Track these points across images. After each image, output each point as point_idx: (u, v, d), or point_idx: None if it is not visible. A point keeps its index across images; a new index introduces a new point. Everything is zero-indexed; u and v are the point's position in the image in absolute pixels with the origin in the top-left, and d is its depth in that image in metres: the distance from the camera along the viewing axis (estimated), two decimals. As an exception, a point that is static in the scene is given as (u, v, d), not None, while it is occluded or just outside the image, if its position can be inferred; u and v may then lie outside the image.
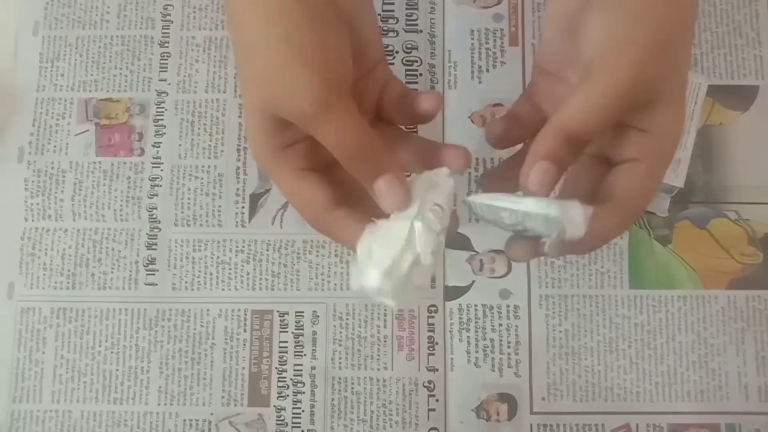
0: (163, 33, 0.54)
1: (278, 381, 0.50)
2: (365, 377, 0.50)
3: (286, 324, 0.51)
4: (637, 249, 0.51)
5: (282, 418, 0.49)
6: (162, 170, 0.52)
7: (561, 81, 0.37)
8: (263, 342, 0.50)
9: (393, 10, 0.54)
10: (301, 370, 0.50)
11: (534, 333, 0.50)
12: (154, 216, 0.52)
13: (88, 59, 0.54)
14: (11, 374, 0.50)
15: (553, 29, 0.37)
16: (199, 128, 0.53)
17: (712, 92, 0.52)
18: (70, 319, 0.51)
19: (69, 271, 0.51)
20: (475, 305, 0.50)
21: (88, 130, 0.53)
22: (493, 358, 0.50)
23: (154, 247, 0.52)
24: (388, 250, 0.32)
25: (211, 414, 0.50)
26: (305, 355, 0.50)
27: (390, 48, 0.54)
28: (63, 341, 0.50)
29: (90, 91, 0.54)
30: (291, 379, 0.50)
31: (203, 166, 0.52)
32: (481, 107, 0.53)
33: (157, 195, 0.52)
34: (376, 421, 0.49)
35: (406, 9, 0.54)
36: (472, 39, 0.54)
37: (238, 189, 0.52)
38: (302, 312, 0.51)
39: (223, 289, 0.51)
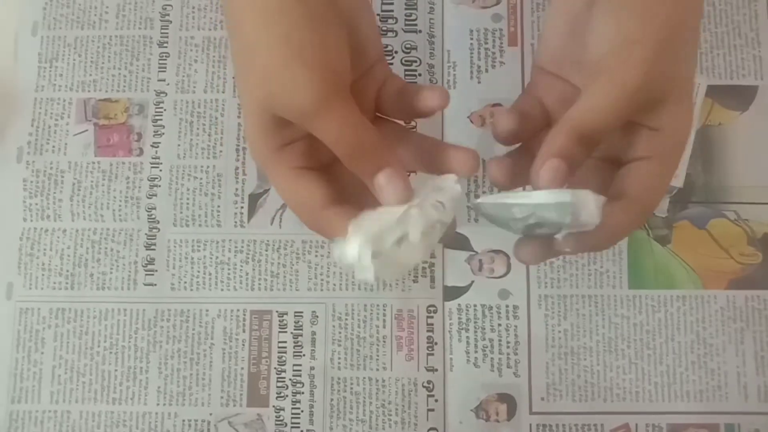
0: (161, 33, 0.54)
1: (277, 381, 0.50)
2: (364, 377, 0.50)
3: (285, 324, 0.50)
4: (637, 249, 0.51)
5: (281, 418, 0.49)
6: (161, 170, 0.52)
7: (562, 81, 0.37)
8: (262, 342, 0.50)
9: (392, 10, 0.54)
10: (300, 371, 0.50)
11: (533, 333, 0.50)
12: (153, 216, 0.52)
13: (86, 59, 0.54)
14: (10, 375, 0.50)
15: (556, 29, 0.37)
16: (197, 128, 0.53)
17: (712, 92, 0.52)
18: (68, 319, 0.51)
19: (68, 271, 0.51)
20: (475, 305, 0.50)
21: (86, 130, 0.53)
22: (492, 358, 0.50)
23: (153, 247, 0.51)
24: (377, 223, 0.32)
25: (210, 414, 0.50)
26: (304, 355, 0.50)
27: (389, 48, 0.54)
28: (62, 341, 0.50)
29: (89, 91, 0.53)
30: (290, 380, 0.50)
31: (202, 166, 0.52)
32: (480, 107, 0.53)
33: (156, 195, 0.52)
34: (375, 422, 0.49)
35: (405, 9, 0.54)
36: (471, 39, 0.54)
37: (237, 189, 0.52)
38: (301, 312, 0.51)
39: (222, 290, 0.51)
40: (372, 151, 0.33)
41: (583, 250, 0.35)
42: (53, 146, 0.53)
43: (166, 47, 0.54)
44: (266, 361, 0.50)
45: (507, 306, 0.50)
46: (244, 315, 0.51)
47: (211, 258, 0.51)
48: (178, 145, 0.53)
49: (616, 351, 0.50)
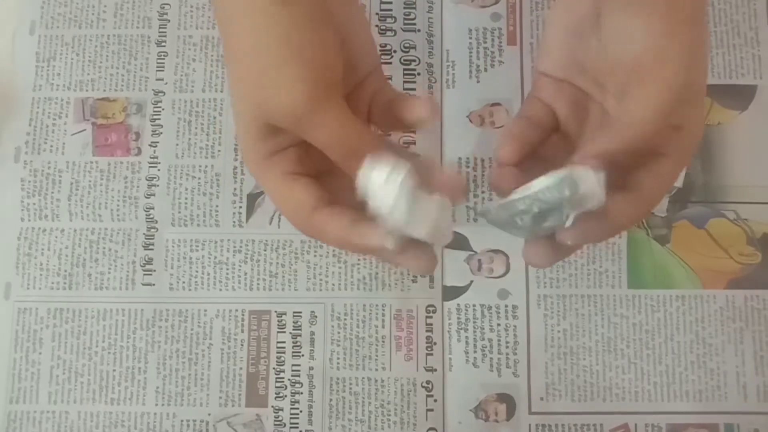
0: (160, 32, 0.54)
1: (276, 381, 0.50)
2: (363, 377, 0.50)
3: (284, 324, 0.50)
4: (636, 249, 0.51)
5: (280, 418, 0.49)
6: (159, 170, 0.52)
7: (569, 85, 0.37)
8: (261, 342, 0.50)
9: (391, 9, 0.54)
10: (299, 371, 0.50)
11: (532, 333, 0.50)
12: (151, 216, 0.52)
13: (84, 58, 0.54)
14: (8, 375, 0.50)
15: (560, 34, 0.37)
16: (196, 128, 0.53)
17: (711, 92, 0.52)
18: (66, 319, 0.51)
19: (66, 271, 0.51)
20: (474, 305, 0.50)
21: (84, 130, 0.53)
22: (491, 358, 0.50)
23: (151, 247, 0.51)
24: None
25: (209, 414, 0.49)
26: (303, 355, 0.50)
27: (388, 47, 0.54)
28: (60, 342, 0.50)
29: (86, 90, 0.53)
30: (289, 380, 0.50)
31: (200, 166, 0.52)
32: (479, 107, 0.52)
33: (154, 195, 0.52)
34: (374, 422, 0.49)
35: (404, 8, 0.54)
36: (470, 38, 0.54)
37: (235, 189, 0.52)
38: (300, 312, 0.50)
39: (220, 290, 0.51)
40: (368, 150, 0.33)
41: (589, 240, 0.34)
42: (51, 146, 0.53)
43: (164, 46, 0.54)
44: (265, 362, 0.50)
45: (506, 306, 0.50)
46: (243, 315, 0.51)
47: (209, 258, 0.51)
48: (177, 144, 0.52)
49: (616, 351, 0.50)
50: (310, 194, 0.34)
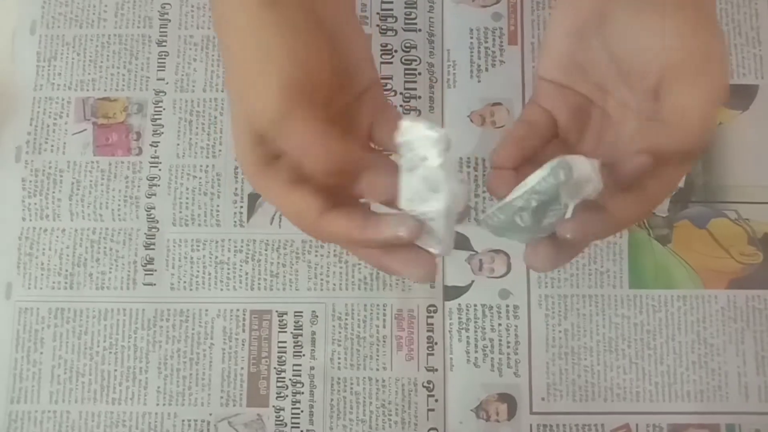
0: (160, 32, 0.54)
1: (277, 381, 0.50)
2: (364, 377, 0.50)
3: (285, 324, 0.50)
4: (637, 249, 0.51)
5: (281, 418, 0.49)
6: (160, 170, 0.52)
7: (570, 90, 0.37)
8: (262, 342, 0.50)
9: (392, 9, 0.54)
10: (300, 371, 0.50)
11: (533, 333, 0.50)
12: (152, 216, 0.52)
13: (85, 58, 0.54)
14: (9, 375, 0.50)
15: (561, 39, 0.36)
16: (197, 127, 0.53)
17: (712, 91, 0.52)
18: (68, 319, 0.51)
19: (67, 271, 0.51)
20: (475, 305, 0.50)
21: (85, 130, 0.53)
22: (492, 358, 0.50)
23: (152, 246, 0.51)
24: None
25: (210, 414, 0.49)
26: (304, 355, 0.50)
27: (389, 47, 0.54)
28: (61, 341, 0.50)
29: (87, 90, 0.53)
30: (290, 380, 0.50)
31: (201, 166, 0.52)
32: (480, 106, 0.52)
33: (155, 194, 0.52)
34: (375, 422, 0.49)
35: (405, 8, 0.54)
36: (471, 38, 0.54)
37: (236, 188, 0.52)
38: (301, 312, 0.50)
39: (221, 289, 0.51)
40: (342, 159, 0.32)
41: (588, 235, 0.34)
42: (52, 145, 0.53)
43: (165, 46, 0.54)
44: (266, 361, 0.50)
45: (507, 306, 0.50)
46: (244, 315, 0.51)
47: (210, 258, 0.51)
48: (177, 144, 0.52)
49: (617, 351, 0.50)
50: (314, 199, 0.33)
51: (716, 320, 0.50)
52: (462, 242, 0.51)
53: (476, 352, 0.50)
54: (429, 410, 0.49)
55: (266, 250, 0.51)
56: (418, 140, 0.31)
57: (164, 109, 0.53)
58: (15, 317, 0.51)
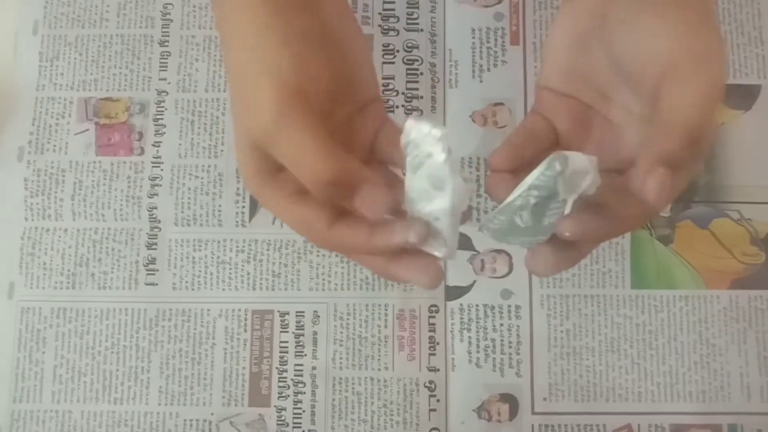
0: (162, 32, 0.54)
1: (279, 381, 0.50)
2: (366, 377, 0.50)
3: (287, 324, 0.50)
4: (639, 249, 0.51)
5: (283, 418, 0.49)
6: (162, 170, 0.52)
7: (571, 99, 0.37)
8: (264, 342, 0.50)
9: (394, 9, 0.54)
10: (302, 371, 0.50)
11: (535, 333, 0.50)
12: (154, 216, 0.52)
13: (87, 58, 0.54)
14: (11, 374, 0.50)
15: (562, 47, 0.36)
16: (199, 127, 0.53)
17: (714, 91, 0.52)
18: (70, 319, 0.51)
19: (69, 270, 0.51)
20: (477, 305, 0.50)
21: (87, 130, 0.53)
22: (494, 358, 0.50)
23: (154, 246, 0.51)
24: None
25: (212, 414, 0.50)
26: (306, 355, 0.50)
27: (391, 47, 0.54)
28: (63, 341, 0.50)
29: (90, 90, 0.53)
30: (292, 380, 0.50)
31: (203, 166, 0.52)
32: (482, 106, 0.52)
33: (157, 194, 0.52)
34: (377, 422, 0.49)
35: (407, 8, 0.54)
36: (473, 38, 0.54)
37: (238, 188, 0.52)
38: (303, 312, 0.50)
39: (223, 289, 0.51)
40: (338, 176, 0.31)
41: (588, 235, 0.33)
42: (54, 145, 0.53)
43: (167, 46, 0.54)
44: (268, 361, 0.50)
45: (509, 306, 0.50)
46: (246, 315, 0.51)
47: (212, 257, 0.51)
48: (180, 144, 0.53)
49: (619, 351, 0.50)
50: (322, 210, 0.33)
51: (718, 320, 0.50)
52: (464, 242, 0.51)
53: (478, 352, 0.50)
54: (431, 410, 0.49)
55: (268, 250, 0.51)
56: (422, 138, 0.31)
57: (166, 109, 0.53)
58: (17, 317, 0.51)
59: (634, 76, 0.34)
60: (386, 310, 0.50)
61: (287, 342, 0.50)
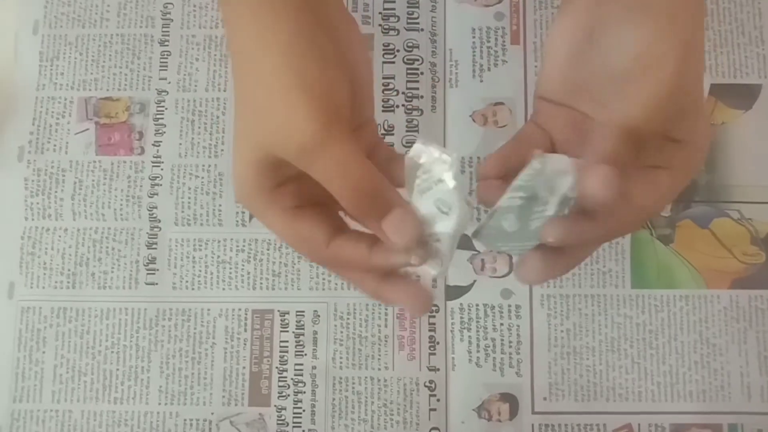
0: (163, 31, 0.54)
1: (279, 381, 0.50)
2: (366, 377, 0.50)
3: (287, 323, 0.50)
4: (639, 248, 0.51)
5: (283, 417, 0.49)
6: (162, 169, 0.52)
7: (567, 109, 0.37)
8: (264, 342, 0.50)
9: (394, 8, 0.54)
10: (302, 370, 0.50)
11: (535, 332, 0.50)
12: (155, 215, 0.52)
13: (88, 58, 0.54)
14: (11, 374, 0.50)
15: (557, 58, 0.36)
16: (199, 127, 0.53)
17: (715, 91, 0.52)
18: (70, 318, 0.51)
19: (69, 270, 0.51)
20: (477, 305, 0.50)
21: (88, 129, 0.53)
22: (494, 358, 0.50)
23: (154, 246, 0.51)
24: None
25: (212, 414, 0.50)
26: (306, 354, 0.50)
27: (391, 46, 0.53)
28: (63, 341, 0.50)
29: (90, 89, 0.53)
30: (292, 379, 0.50)
31: (204, 165, 0.52)
32: (482, 106, 0.52)
33: (157, 194, 0.52)
34: (377, 421, 0.49)
35: (408, 7, 0.54)
36: (474, 37, 0.53)
37: (238, 188, 0.52)
38: (303, 311, 0.50)
39: (223, 289, 0.51)
40: (376, 192, 0.31)
41: (573, 239, 0.33)
42: (54, 145, 0.53)
43: (167, 46, 0.54)
44: (268, 361, 0.50)
45: (509, 305, 0.50)
46: (246, 314, 0.51)
47: (212, 257, 0.51)
48: (180, 144, 0.53)
49: (619, 351, 0.50)
50: (321, 226, 0.33)
51: (719, 320, 0.50)
52: (464, 242, 0.51)
53: (478, 351, 0.50)
54: (431, 410, 0.49)
55: (268, 250, 0.51)
56: (433, 162, 0.32)
57: (166, 108, 0.53)
58: (17, 316, 0.51)
59: (620, 83, 0.34)
60: (386, 309, 0.50)
61: (287, 341, 0.50)
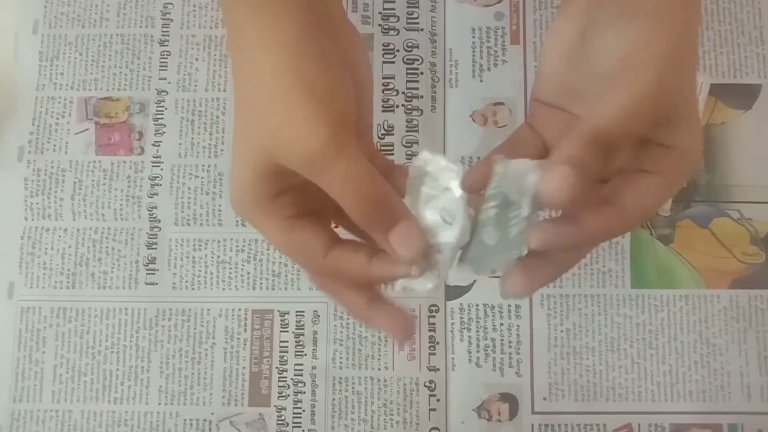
0: (163, 31, 0.54)
1: (279, 381, 0.50)
2: (366, 377, 0.50)
3: (287, 323, 0.50)
4: (639, 248, 0.51)
5: (283, 417, 0.49)
6: (162, 169, 0.52)
7: (562, 112, 0.37)
8: (264, 342, 0.50)
9: (394, 8, 0.54)
10: (302, 370, 0.50)
11: (535, 332, 0.50)
12: (154, 215, 0.52)
13: (87, 58, 0.54)
14: (11, 374, 0.50)
15: (552, 62, 0.36)
16: (199, 127, 0.53)
17: (715, 91, 0.52)
18: (70, 318, 0.51)
19: (69, 270, 0.51)
20: (477, 305, 0.50)
21: (87, 129, 0.53)
22: (494, 358, 0.50)
23: (154, 246, 0.51)
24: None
25: (212, 414, 0.50)
26: (306, 354, 0.50)
27: (391, 46, 0.53)
28: (63, 341, 0.50)
29: (90, 89, 0.53)
30: (292, 379, 0.50)
31: (203, 165, 0.52)
32: (482, 106, 0.52)
33: (157, 194, 0.52)
34: (377, 421, 0.49)
35: (408, 7, 0.54)
36: (473, 37, 0.53)
37: (238, 188, 0.52)
38: (303, 311, 0.50)
39: (223, 289, 0.51)
40: (385, 202, 0.31)
41: (555, 244, 0.32)
42: (54, 145, 0.53)
43: (167, 45, 0.54)
44: (268, 361, 0.50)
45: (509, 305, 0.50)
46: (246, 314, 0.51)
47: (212, 257, 0.51)
48: (180, 144, 0.53)
49: (619, 350, 0.50)
50: (319, 236, 0.32)
51: (718, 320, 0.50)
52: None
53: (478, 351, 0.50)
54: (431, 410, 0.49)
55: (268, 250, 0.51)
56: (440, 171, 0.32)
57: (166, 108, 0.53)
58: (17, 316, 0.51)
59: (602, 86, 0.34)
60: (386, 309, 0.50)
61: (287, 341, 0.50)
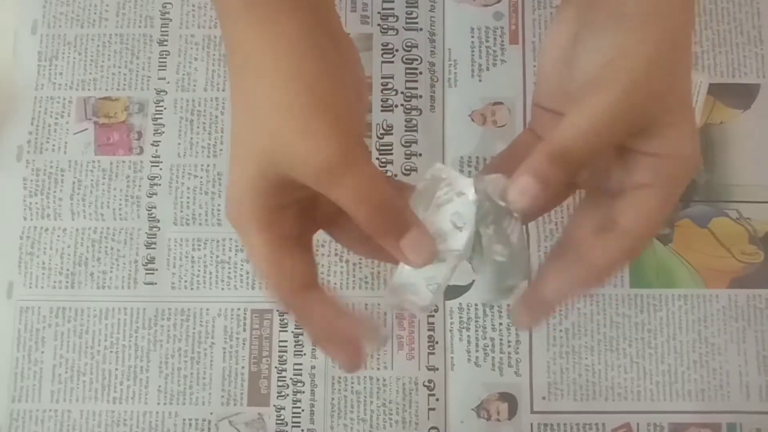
0: (162, 31, 0.54)
1: (278, 380, 0.50)
2: (365, 376, 0.50)
3: (286, 323, 0.50)
4: (638, 248, 0.51)
5: (282, 417, 0.49)
6: (161, 169, 0.52)
7: (559, 116, 0.37)
8: (263, 341, 0.50)
9: (393, 8, 0.54)
10: (301, 370, 0.50)
11: (534, 332, 0.50)
12: (153, 215, 0.52)
13: (86, 58, 0.54)
14: (10, 374, 0.50)
15: (548, 65, 0.36)
16: (198, 127, 0.53)
17: (713, 91, 0.52)
18: (69, 318, 0.51)
19: (68, 270, 0.51)
20: (476, 304, 0.50)
21: (86, 129, 0.53)
22: (493, 358, 0.50)
23: (153, 246, 0.51)
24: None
25: (211, 413, 0.50)
26: (305, 354, 0.50)
27: (390, 46, 0.53)
28: (62, 341, 0.50)
29: (89, 89, 0.53)
30: (291, 379, 0.50)
31: (202, 165, 0.52)
32: (481, 105, 0.52)
33: (156, 194, 0.52)
34: (376, 421, 0.49)
35: (406, 7, 0.54)
36: (473, 37, 0.54)
37: (237, 188, 0.52)
38: (302, 311, 0.50)
39: (222, 289, 0.51)
40: (395, 211, 0.31)
41: (571, 289, 0.33)
42: (53, 145, 0.53)
43: (166, 45, 0.54)
44: (267, 360, 0.50)
45: (508, 305, 0.50)
46: (245, 314, 0.51)
47: (211, 257, 0.51)
48: (179, 143, 0.53)
49: (618, 350, 0.50)
50: (305, 269, 0.32)
51: (717, 319, 0.50)
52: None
53: (477, 351, 0.50)
54: (430, 409, 0.49)
55: (267, 250, 0.51)
56: (454, 178, 0.33)
57: (165, 108, 0.53)
58: (16, 316, 0.51)
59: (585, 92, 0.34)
60: (385, 309, 0.50)
61: (286, 341, 0.50)
